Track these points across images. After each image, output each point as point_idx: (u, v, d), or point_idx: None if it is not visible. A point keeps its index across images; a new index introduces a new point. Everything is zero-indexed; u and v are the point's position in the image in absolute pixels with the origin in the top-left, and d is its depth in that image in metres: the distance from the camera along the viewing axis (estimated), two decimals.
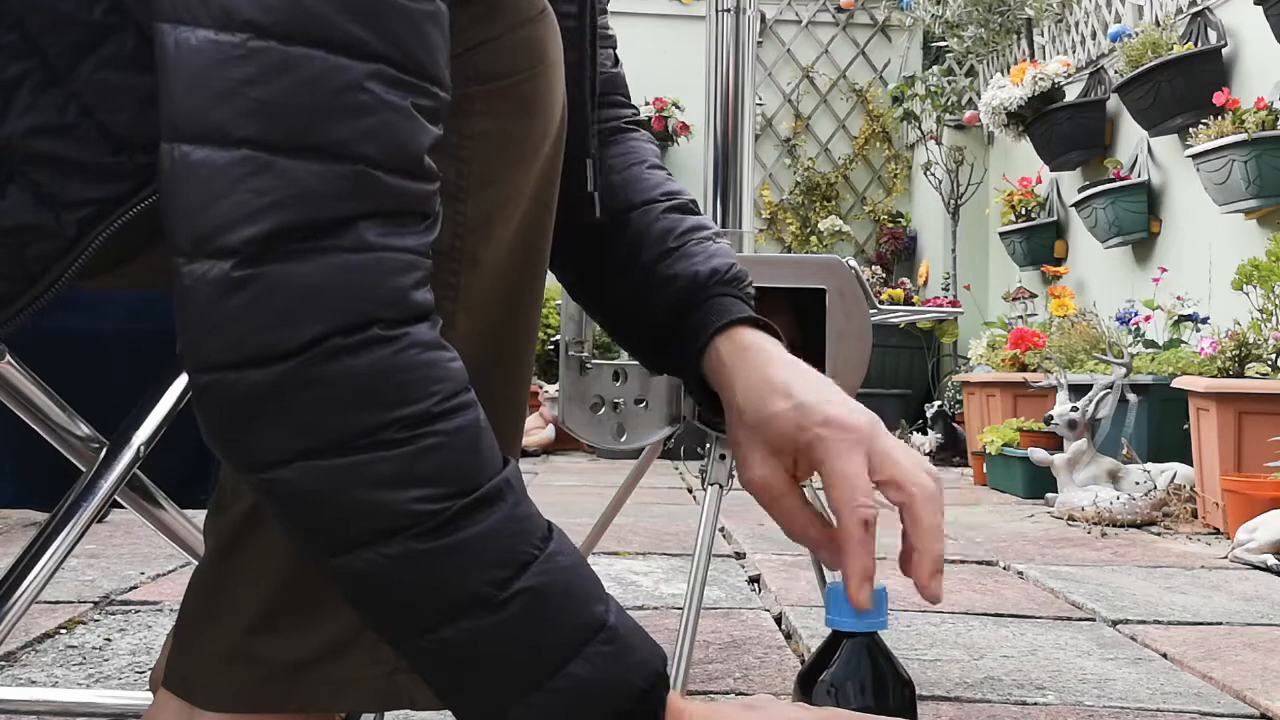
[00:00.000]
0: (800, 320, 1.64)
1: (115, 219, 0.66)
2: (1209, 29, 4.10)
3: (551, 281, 0.89)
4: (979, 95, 5.88)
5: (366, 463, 0.56)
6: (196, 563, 0.86)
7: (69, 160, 0.64)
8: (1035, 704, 1.56)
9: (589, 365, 1.45)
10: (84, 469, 0.87)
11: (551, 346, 6.08)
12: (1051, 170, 5.23)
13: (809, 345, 1.61)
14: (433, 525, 0.57)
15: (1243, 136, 3.52)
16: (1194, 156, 3.76)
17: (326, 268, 0.55)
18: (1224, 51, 4.02)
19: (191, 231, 0.55)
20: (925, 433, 5.70)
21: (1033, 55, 5.53)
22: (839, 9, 7.07)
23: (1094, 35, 5.10)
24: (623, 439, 1.49)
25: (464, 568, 0.58)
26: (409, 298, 0.57)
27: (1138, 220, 4.50)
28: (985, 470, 4.49)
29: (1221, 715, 1.54)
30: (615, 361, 1.49)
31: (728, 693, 1.59)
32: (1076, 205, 4.79)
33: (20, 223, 0.64)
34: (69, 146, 0.64)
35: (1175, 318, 4.05)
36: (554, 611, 0.61)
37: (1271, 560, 2.64)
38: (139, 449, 0.84)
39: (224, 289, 0.54)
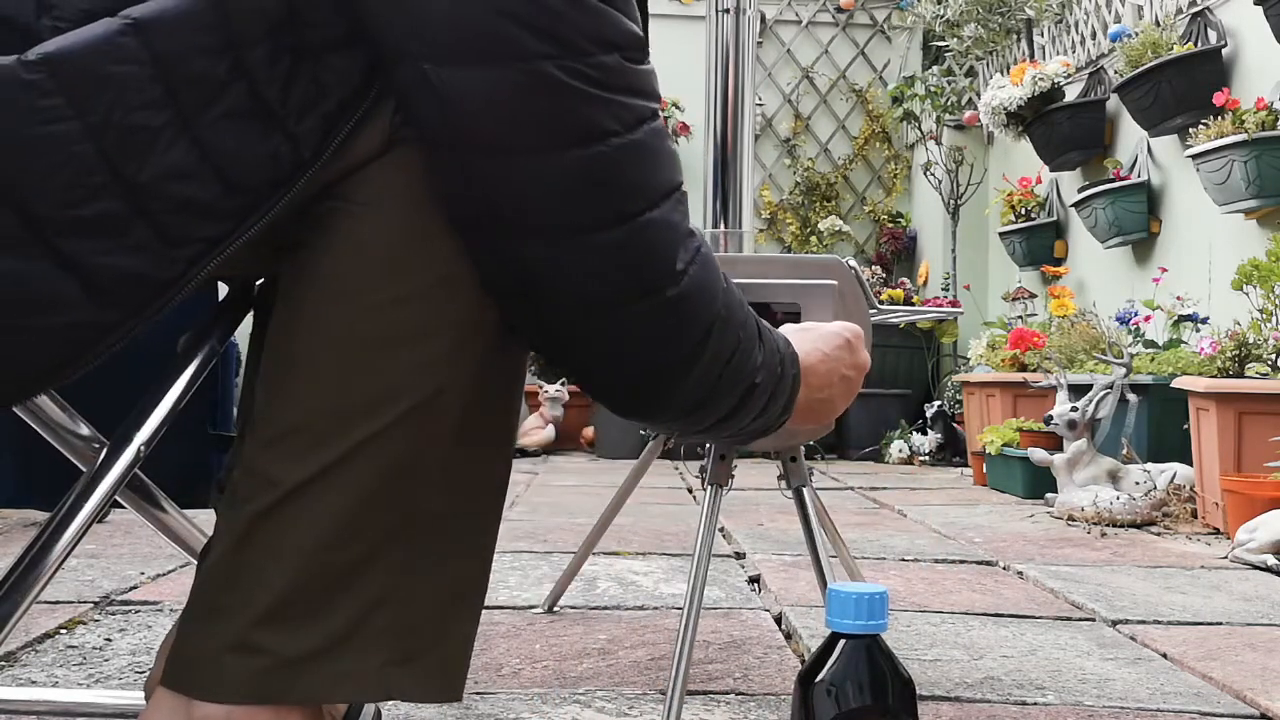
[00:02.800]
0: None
1: (214, 257, 0.72)
2: (1209, 29, 4.10)
3: None
4: (979, 95, 5.88)
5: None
6: (197, 562, 0.87)
7: (187, 201, 0.70)
8: (1035, 704, 1.56)
9: None
10: (84, 469, 0.87)
11: None
12: (1051, 170, 5.23)
13: None
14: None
15: (1243, 137, 3.52)
16: (1194, 156, 3.76)
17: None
18: (1224, 51, 4.02)
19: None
20: (925, 433, 5.70)
21: (1033, 55, 5.53)
22: (839, 9, 7.07)
23: (1094, 35, 5.10)
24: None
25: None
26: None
27: (1138, 220, 4.50)
28: (985, 470, 4.50)
29: (1221, 715, 1.54)
30: None
31: (728, 693, 1.60)
32: (1076, 205, 4.79)
33: (141, 258, 0.70)
34: (188, 188, 0.70)
35: (1175, 318, 4.05)
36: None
37: (1271, 560, 2.64)
38: (139, 449, 0.84)
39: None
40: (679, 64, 6.14)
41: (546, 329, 0.78)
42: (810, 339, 1.01)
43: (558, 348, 0.80)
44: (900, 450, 5.65)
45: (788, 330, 1.00)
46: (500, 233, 0.75)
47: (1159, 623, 2.07)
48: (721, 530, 3.09)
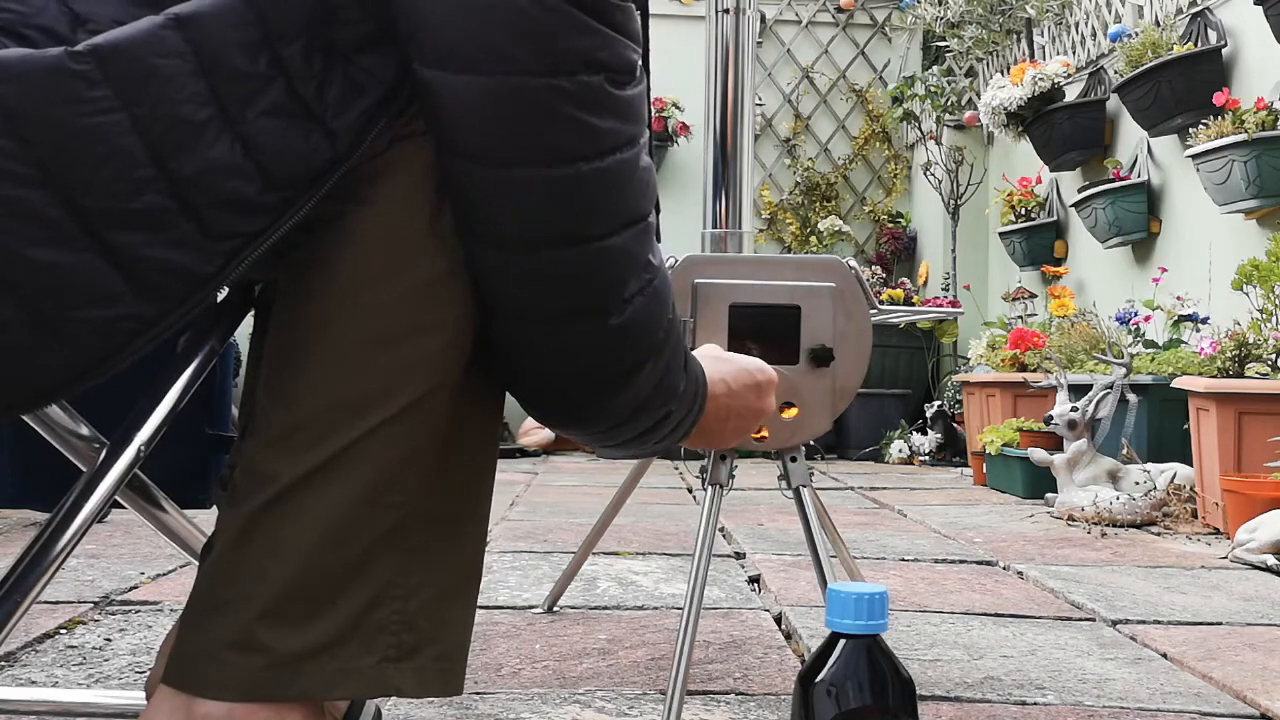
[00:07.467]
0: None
1: (251, 252, 0.72)
2: (1209, 29, 4.10)
3: None
4: (979, 95, 5.87)
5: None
6: (197, 563, 0.87)
7: (229, 196, 0.71)
8: (1035, 704, 1.57)
9: None
10: (84, 469, 0.87)
11: None
12: (1051, 170, 5.23)
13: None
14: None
15: (1242, 137, 3.52)
16: (1194, 156, 3.76)
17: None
18: (1224, 51, 4.02)
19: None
20: (925, 433, 5.70)
21: (1033, 55, 5.53)
22: (839, 9, 7.07)
23: (1094, 35, 5.10)
24: None
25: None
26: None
27: (1137, 220, 4.50)
28: (985, 470, 4.50)
29: (1221, 715, 1.54)
30: None
31: (728, 693, 1.60)
32: (1076, 205, 4.79)
33: (184, 252, 0.71)
34: (230, 183, 0.71)
35: (1175, 318, 4.05)
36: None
37: (1271, 560, 2.64)
38: (139, 449, 0.84)
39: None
40: (679, 64, 6.15)
41: (494, 331, 0.80)
42: (722, 370, 1.01)
43: (499, 351, 0.81)
44: (900, 450, 5.65)
45: (706, 354, 1.01)
46: (465, 234, 0.77)
47: (1159, 623, 2.07)
48: (721, 530, 3.09)
